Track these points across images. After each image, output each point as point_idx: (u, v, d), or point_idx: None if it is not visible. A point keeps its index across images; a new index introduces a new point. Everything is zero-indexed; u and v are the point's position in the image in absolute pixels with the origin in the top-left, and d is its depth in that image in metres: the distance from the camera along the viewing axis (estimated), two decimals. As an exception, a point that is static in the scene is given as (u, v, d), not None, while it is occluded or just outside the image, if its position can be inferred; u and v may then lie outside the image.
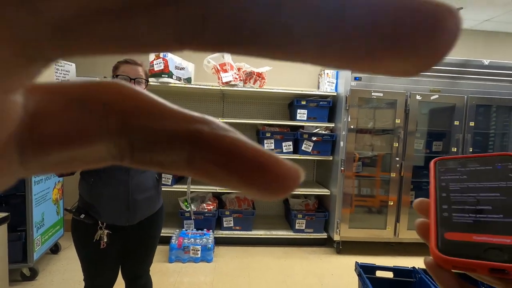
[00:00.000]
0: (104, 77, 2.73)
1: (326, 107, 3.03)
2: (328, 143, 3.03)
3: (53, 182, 2.51)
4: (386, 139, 3.01)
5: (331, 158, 3.04)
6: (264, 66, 2.97)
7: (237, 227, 3.02)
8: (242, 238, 3.01)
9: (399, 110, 2.88)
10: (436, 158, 0.30)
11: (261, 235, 3.01)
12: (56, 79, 1.28)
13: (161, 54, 2.76)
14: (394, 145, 2.90)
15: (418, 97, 2.87)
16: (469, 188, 0.25)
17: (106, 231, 1.27)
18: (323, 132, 3.05)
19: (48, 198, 2.44)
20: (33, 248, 2.20)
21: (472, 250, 0.21)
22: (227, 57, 2.86)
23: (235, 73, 2.87)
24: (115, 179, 1.26)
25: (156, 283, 1.99)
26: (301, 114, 3.01)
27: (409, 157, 2.90)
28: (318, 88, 3.28)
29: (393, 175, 2.91)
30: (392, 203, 2.93)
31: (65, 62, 1.30)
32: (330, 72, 3.04)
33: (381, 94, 2.84)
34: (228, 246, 2.99)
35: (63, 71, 1.29)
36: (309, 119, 3.02)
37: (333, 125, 3.04)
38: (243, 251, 2.92)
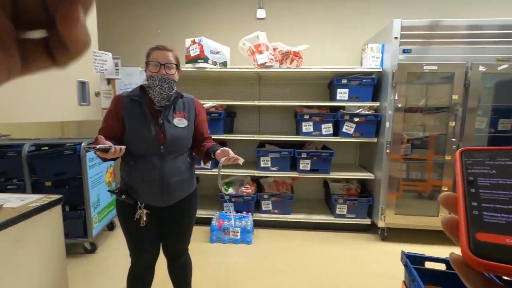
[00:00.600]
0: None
1: (370, 85, 2.80)
2: (372, 124, 2.82)
3: (105, 166, 2.74)
4: (441, 118, 2.69)
5: (375, 140, 2.83)
6: (301, 44, 2.82)
7: (276, 211, 3.02)
8: (281, 222, 3.01)
9: (457, 84, 2.53)
10: (462, 148, 0.28)
11: (300, 219, 2.97)
12: (95, 69, 1.34)
13: (197, 39, 2.77)
14: (450, 125, 2.58)
15: (481, 68, 2.48)
16: (499, 184, 0.24)
17: (145, 211, 1.34)
18: (367, 112, 2.83)
19: (102, 180, 2.67)
20: (91, 225, 2.45)
21: (505, 253, 0.20)
22: (262, 38, 2.76)
23: (270, 53, 2.77)
24: (151, 163, 1.30)
25: (197, 262, 2.09)
26: (342, 93, 2.82)
27: (468, 137, 2.57)
28: (361, 64, 3.03)
29: (448, 157, 2.61)
30: (446, 189, 2.65)
31: (102, 52, 1.35)
32: (374, 46, 2.77)
33: (435, 67, 2.51)
34: (267, 229, 3.02)
35: (100, 60, 1.34)
36: (350, 98, 2.82)
37: (378, 104, 2.80)
38: (282, 234, 2.92)
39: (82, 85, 1.26)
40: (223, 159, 1.26)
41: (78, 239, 2.43)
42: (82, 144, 2.39)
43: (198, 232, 2.86)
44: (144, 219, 1.33)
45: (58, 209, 1.28)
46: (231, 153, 1.29)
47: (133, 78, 3.48)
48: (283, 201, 2.99)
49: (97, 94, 1.33)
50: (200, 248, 2.61)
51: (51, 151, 2.37)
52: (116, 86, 3.49)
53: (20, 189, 2.34)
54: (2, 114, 1.06)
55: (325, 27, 3.31)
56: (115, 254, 2.50)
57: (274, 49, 2.82)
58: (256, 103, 2.89)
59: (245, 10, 3.38)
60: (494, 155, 0.27)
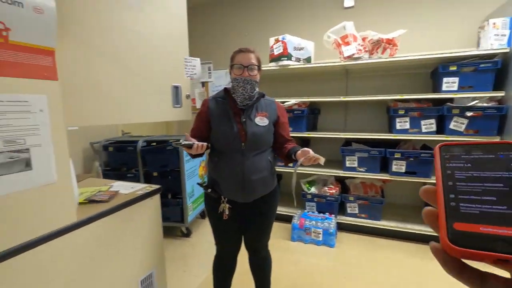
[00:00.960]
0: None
1: (491, 70, 2.24)
2: (493, 119, 2.27)
3: (198, 160, 3.06)
4: None
5: (498, 139, 2.27)
6: (395, 30, 2.49)
7: (363, 215, 2.78)
8: (368, 227, 2.75)
9: None
10: (440, 144, 0.30)
11: (391, 227, 2.65)
12: (186, 73, 1.49)
13: (280, 37, 2.78)
14: None
15: None
16: (473, 177, 0.26)
17: (227, 205, 1.42)
18: (485, 104, 2.29)
19: (196, 173, 2.99)
20: (187, 212, 2.77)
21: (480, 241, 0.22)
22: (349, 28, 2.56)
23: (359, 44, 2.54)
24: (233, 159, 1.37)
25: (278, 258, 2.11)
26: (450, 83, 2.36)
27: None
28: (478, 46, 2.46)
29: None
30: None
31: (192, 58, 1.48)
32: (498, 21, 2.21)
33: None
34: (352, 233, 2.81)
35: (190, 66, 1.47)
36: (461, 88, 2.33)
37: (503, 94, 2.23)
38: (369, 241, 2.67)
39: (176, 89, 1.42)
40: (301, 159, 1.23)
41: (177, 223, 2.79)
42: (181, 140, 2.73)
43: (279, 229, 2.90)
44: (227, 213, 1.41)
45: (157, 197, 1.49)
46: (311, 153, 1.24)
47: (222, 80, 3.76)
48: (372, 205, 2.72)
49: (188, 96, 1.47)
50: (280, 245, 2.63)
51: (157, 147, 2.79)
52: (209, 88, 3.85)
53: (136, 178, 2.83)
54: (124, 116, 1.29)
55: (427, 6, 2.83)
56: (206, 240, 2.77)
57: (363, 39, 2.58)
58: (342, 98, 2.70)
59: (331, 0, 3.20)
60: (469, 150, 0.28)
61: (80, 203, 1.27)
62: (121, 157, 2.91)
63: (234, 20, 3.68)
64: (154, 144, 2.85)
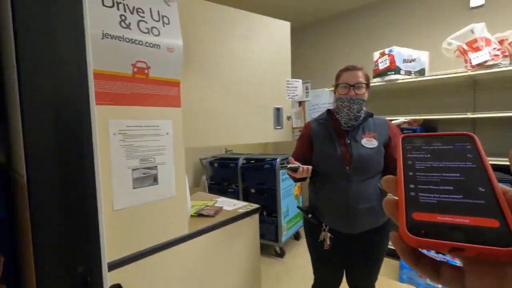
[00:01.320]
0: (332, 85, 2.92)
1: None
2: None
3: (294, 180, 3.03)
4: None
5: None
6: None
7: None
8: None
9: None
10: (403, 135, 0.31)
11: None
12: (287, 95, 1.50)
13: (386, 50, 2.55)
14: None
15: None
16: (432, 167, 0.27)
17: (328, 234, 1.31)
18: None
19: (291, 193, 2.97)
20: (281, 231, 2.75)
21: (436, 230, 0.22)
22: (479, 30, 2.13)
23: (494, 48, 2.08)
24: (336, 184, 1.27)
25: (383, 301, 1.82)
26: None
27: None
28: None
29: None
30: None
31: (294, 80, 1.49)
32: None
33: None
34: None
35: (292, 87, 1.48)
36: None
37: None
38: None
39: (277, 111, 1.44)
40: None
41: (271, 242, 2.80)
42: (277, 159, 2.77)
43: (384, 265, 2.54)
44: (328, 242, 1.30)
45: (256, 217, 1.52)
46: None
47: (320, 99, 3.69)
48: None
49: (289, 118, 1.48)
50: (387, 284, 2.29)
51: (256, 165, 2.91)
52: (305, 107, 3.84)
53: (235, 193, 3.02)
54: (231, 138, 1.41)
55: None
56: (300, 263, 2.67)
57: (501, 42, 2.10)
58: (470, 115, 2.23)
59: (452, 1, 2.76)
60: (430, 141, 0.29)
61: (191, 216, 1.40)
62: (224, 173, 3.16)
63: (334, 38, 3.61)
64: (253, 162, 2.99)
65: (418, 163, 0.27)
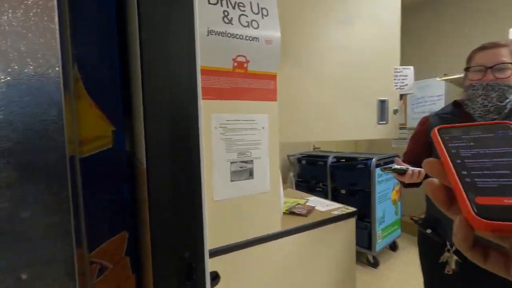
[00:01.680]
0: (444, 74, 2.45)
1: None
2: None
3: (392, 183, 2.69)
4: None
5: None
6: None
7: None
8: None
9: None
10: (437, 127, 0.30)
11: None
12: (395, 85, 1.30)
13: (531, 24, 1.96)
14: None
15: None
16: (480, 154, 0.26)
17: (454, 257, 1.06)
18: None
19: (388, 197, 2.65)
20: (375, 239, 2.48)
21: (507, 213, 0.21)
22: None
23: None
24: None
25: None
26: None
27: None
28: None
29: None
30: None
31: (404, 67, 1.28)
32: None
33: None
34: None
35: (401, 76, 1.28)
36: None
37: None
38: None
39: (382, 103, 1.27)
40: None
41: (363, 249, 2.56)
42: (373, 159, 2.50)
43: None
44: (453, 267, 1.06)
45: (352, 221, 1.38)
46: None
47: (427, 91, 3.16)
48: None
49: (396, 111, 1.28)
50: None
51: (347, 164, 2.71)
52: (407, 101, 3.37)
53: (323, 192, 2.88)
54: (328, 134, 1.31)
55: None
56: (396, 277, 2.36)
57: None
58: None
59: None
60: (468, 130, 0.29)
61: (283, 213, 1.37)
62: (312, 170, 3.06)
63: (450, 17, 3.03)
64: (344, 160, 2.79)
65: (463, 151, 0.26)
